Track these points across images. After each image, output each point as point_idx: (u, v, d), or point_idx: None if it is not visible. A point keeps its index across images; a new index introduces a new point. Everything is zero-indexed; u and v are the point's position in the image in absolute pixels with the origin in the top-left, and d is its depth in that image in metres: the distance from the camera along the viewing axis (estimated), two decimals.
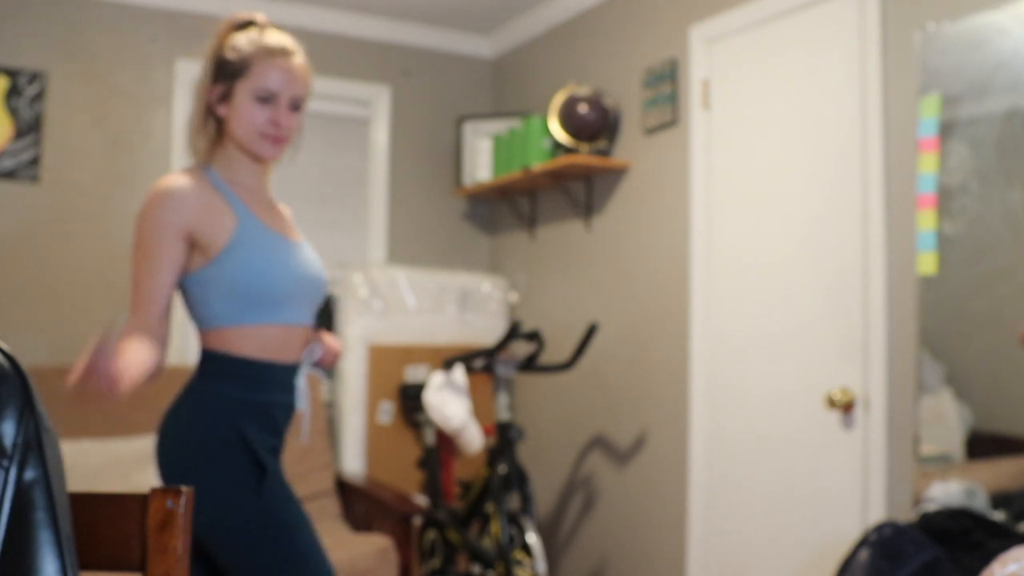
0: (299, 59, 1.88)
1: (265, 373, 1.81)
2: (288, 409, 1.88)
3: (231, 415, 1.77)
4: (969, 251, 2.36)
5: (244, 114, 1.83)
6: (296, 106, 1.87)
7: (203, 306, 1.80)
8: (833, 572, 2.28)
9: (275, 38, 1.86)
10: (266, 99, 1.83)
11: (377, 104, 4.30)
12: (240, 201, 1.84)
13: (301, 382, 1.91)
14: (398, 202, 4.28)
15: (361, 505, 3.51)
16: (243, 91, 1.82)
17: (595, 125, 3.56)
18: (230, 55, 1.83)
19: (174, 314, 3.99)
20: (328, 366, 2.05)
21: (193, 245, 1.77)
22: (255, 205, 1.88)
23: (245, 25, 1.88)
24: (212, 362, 1.81)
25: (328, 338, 2.02)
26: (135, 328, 1.71)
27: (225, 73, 1.84)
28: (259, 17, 1.90)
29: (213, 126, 1.88)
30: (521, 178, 3.80)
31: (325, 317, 4.08)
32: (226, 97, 1.84)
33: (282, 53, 1.85)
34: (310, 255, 1.94)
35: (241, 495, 1.75)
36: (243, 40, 1.84)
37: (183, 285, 1.80)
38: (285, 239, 1.88)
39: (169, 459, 1.77)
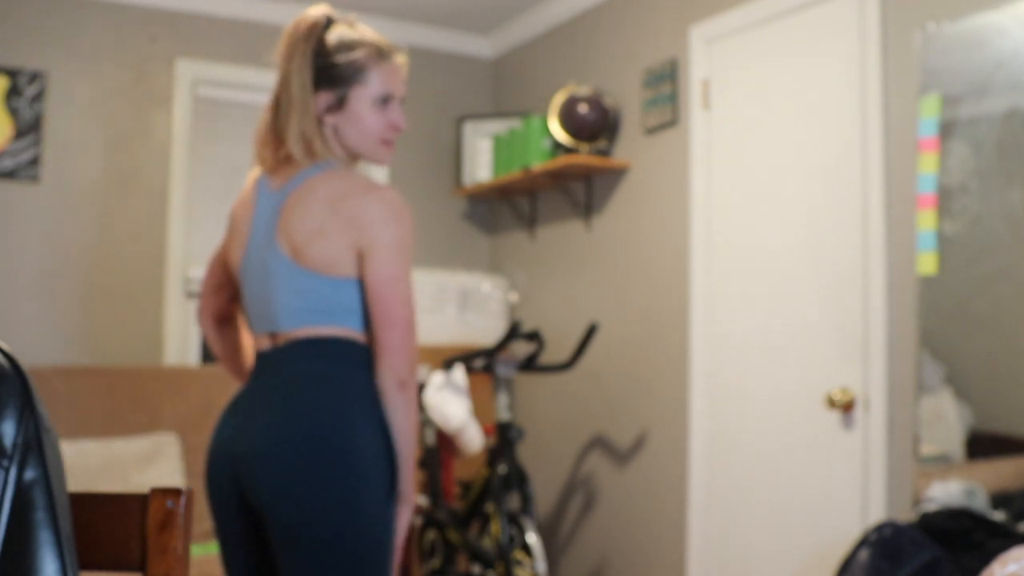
0: (402, 55, 1.80)
1: None
2: None
3: (379, 404, 1.71)
4: (969, 251, 2.35)
5: (365, 122, 1.74)
6: (402, 102, 1.81)
7: (354, 303, 1.72)
8: (833, 572, 2.28)
9: (377, 37, 1.77)
10: (384, 102, 1.75)
11: None
12: None
13: None
14: None
15: None
16: (361, 98, 1.73)
17: (595, 125, 3.56)
18: (339, 60, 1.71)
19: (173, 311, 3.95)
20: None
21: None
22: None
23: (326, 24, 1.75)
24: (352, 348, 1.71)
25: None
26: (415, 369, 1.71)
27: (334, 80, 1.72)
28: (334, 12, 1.78)
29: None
30: (521, 178, 3.80)
31: None
32: (339, 106, 1.73)
33: (391, 53, 1.77)
34: None
35: (378, 492, 1.66)
36: (345, 42, 1.73)
37: (347, 286, 1.71)
38: None
39: (308, 444, 1.63)
